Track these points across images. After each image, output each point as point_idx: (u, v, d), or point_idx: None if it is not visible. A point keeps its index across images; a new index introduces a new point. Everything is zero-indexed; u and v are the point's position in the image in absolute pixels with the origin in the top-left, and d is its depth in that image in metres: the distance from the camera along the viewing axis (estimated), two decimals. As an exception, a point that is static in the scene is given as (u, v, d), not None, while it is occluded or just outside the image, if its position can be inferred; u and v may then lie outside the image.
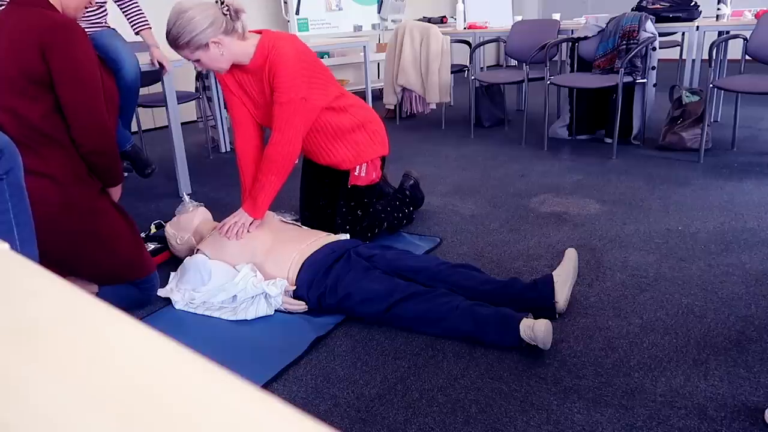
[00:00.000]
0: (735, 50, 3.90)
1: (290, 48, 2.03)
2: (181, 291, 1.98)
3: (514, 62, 4.82)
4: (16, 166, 1.27)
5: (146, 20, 2.87)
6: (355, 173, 2.32)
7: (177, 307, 1.94)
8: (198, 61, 1.96)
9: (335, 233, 2.18)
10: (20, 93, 1.67)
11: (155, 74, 3.15)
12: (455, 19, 5.13)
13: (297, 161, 2.13)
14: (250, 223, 2.08)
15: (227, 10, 1.94)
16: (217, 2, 1.94)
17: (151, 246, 2.34)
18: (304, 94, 2.05)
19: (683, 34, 4.49)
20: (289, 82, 2.01)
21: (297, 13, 5.28)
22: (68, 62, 1.67)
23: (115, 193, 1.96)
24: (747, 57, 3.47)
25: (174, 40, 1.90)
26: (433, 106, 4.77)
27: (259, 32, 2.07)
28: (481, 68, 5.35)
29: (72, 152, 1.75)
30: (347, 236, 2.16)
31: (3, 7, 1.81)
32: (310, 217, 2.46)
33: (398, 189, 2.68)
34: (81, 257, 1.81)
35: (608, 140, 3.82)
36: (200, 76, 4.00)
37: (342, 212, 2.33)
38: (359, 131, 2.30)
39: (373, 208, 2.39)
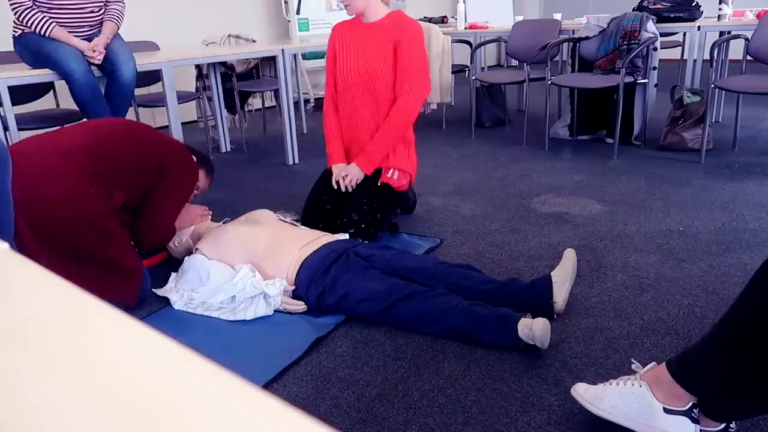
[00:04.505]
0: (736, 50, 3.89)
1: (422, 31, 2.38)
2: (179, 291, 1.98)
3: (515, 62, 4.82)
4: (4, 174, 1.25)
5: (119, 17, 2.82)
6: (388, 175, 2.44)
7: (176, 307, 1.94)
8: None
9: (341, 230, 2.19)
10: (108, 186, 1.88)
11: (156, 74, 3.15)
12: (456, 19, 5.14)
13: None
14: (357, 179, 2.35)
15: None
16: None
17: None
18: (428, 71, 2.39)
19: (684, 34, 4.49)
20: (421, 54, 2.34)
21: (297, 13, 5.28)
22: (175, 186, 2.05)
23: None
24: (748, 57, 3.47)
25: None
26: (434, 106, 4.77)
27: None
28: (482, 68, 5.34)
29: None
30: (346, 236, 2.16)
31: None
32: (311, 213, 2.46)
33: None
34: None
35: (609, 140, 3.82)
36: (200, 76, 4.00)
37: (363, 210, 2.33)
38: (410, 148, 2.53)
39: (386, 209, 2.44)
